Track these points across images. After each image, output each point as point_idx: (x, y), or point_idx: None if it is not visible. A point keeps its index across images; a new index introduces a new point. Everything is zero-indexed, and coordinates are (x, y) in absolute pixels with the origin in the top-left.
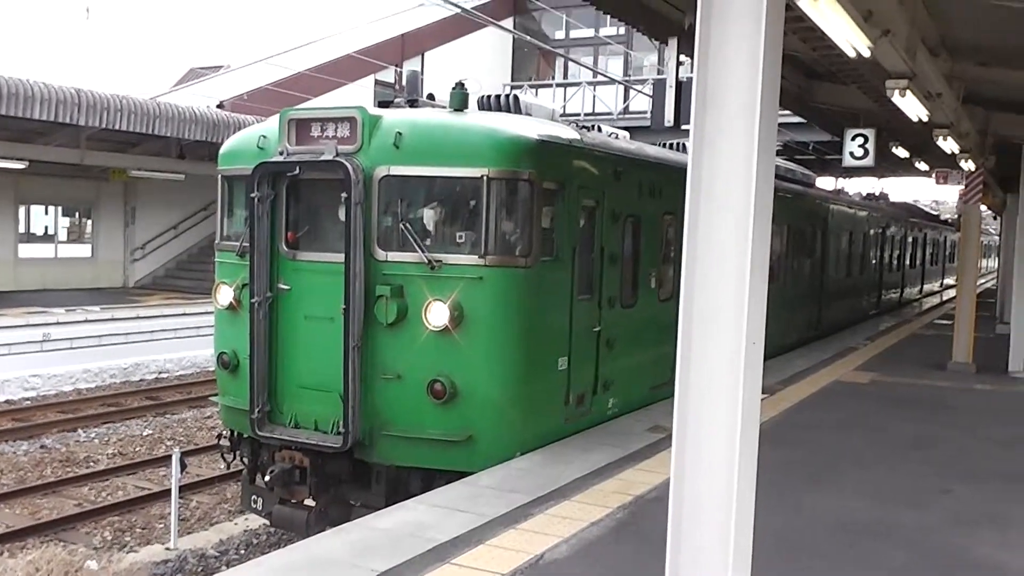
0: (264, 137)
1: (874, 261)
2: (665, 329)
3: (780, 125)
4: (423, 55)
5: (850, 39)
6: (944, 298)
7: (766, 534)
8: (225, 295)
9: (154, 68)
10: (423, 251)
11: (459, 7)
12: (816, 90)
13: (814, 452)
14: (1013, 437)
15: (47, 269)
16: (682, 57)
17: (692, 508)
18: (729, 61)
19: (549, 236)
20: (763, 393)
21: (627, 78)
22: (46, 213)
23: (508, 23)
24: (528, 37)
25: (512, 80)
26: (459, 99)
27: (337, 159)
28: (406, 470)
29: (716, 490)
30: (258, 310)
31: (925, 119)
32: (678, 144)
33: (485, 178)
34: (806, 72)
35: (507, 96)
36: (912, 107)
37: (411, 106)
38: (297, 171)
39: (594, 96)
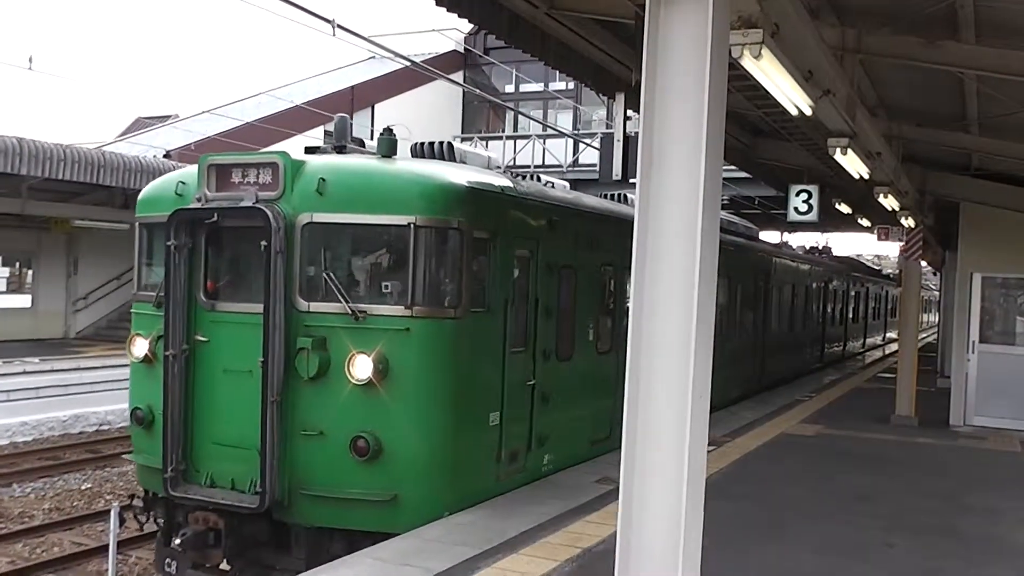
0: (183, 183)
1: (817, 314)
2: (604, 382)
3: (726, 180)
4: (373, 107)
5: (792, 98)
6: (887, 352)
7: None
8: (140, 347)
9: (100, 118)
10: (347, 301)
11: (409, 60)
12: (761, 146)
13: (762, 505)
14: (953, 492)
15: None
16: (629, 112)
17: (639, 561)
18: (674, 117)
19: (480, 286)
20: (710, 445)
21: (576, 131)
22: None
23: (458, 76)
24: (478, 90)
25: (463, 132)
26: (387, 145)
27: (257, 206)
28: (327, 532)
29: (663, 542)
30: (173, 363)
31: (866, 176)
32: (619, 195)
33: (412, 226)
34: (751, 129)
35: (441, 143)
36: (853, 164)
37: (338, 152)
38: (215, 218)
39: (544, 149)
